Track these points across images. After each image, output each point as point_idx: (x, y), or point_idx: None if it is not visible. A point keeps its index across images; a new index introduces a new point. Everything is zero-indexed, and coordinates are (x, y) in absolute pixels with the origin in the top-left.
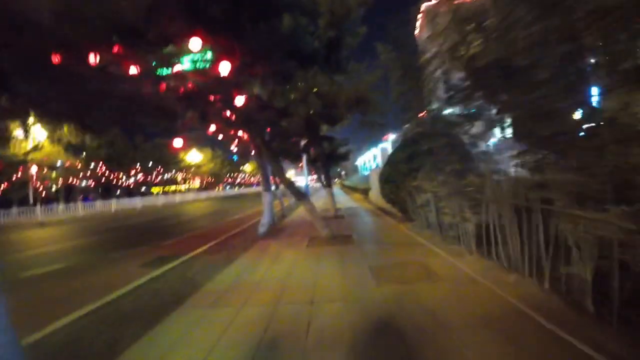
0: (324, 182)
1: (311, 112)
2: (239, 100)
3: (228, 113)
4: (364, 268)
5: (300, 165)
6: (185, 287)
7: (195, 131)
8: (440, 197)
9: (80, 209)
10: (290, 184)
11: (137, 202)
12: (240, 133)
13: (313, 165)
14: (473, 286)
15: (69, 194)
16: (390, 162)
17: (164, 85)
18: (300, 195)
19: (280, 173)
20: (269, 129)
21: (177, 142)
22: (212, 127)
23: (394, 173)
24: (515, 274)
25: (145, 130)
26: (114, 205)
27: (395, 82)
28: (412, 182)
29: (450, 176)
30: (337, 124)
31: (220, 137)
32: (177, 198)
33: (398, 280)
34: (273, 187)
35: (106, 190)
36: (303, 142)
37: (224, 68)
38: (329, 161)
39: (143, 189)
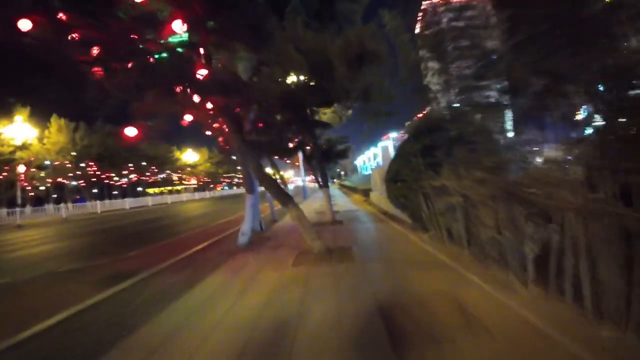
0: (320, 182)
1: (292, 78)
2: (201, 73)
3: (197, 98)
4: (369, 304)
5: (297, 164)
6: (110, 332)
7: (157, 118)
8: (475, 202)
9: (63, 210)
10: (271, 184)
11: (127, 203)
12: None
13: (309, 164)
14: (548, 349)
15: (59, 194)
16: (400, 157)
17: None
18: (285, 198)
19: (257, 169)
20: (238, 110)
21: (130, 131)
22: (188, 117)
23: (404, 170)
24: (610, 326)
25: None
26: (99, 206)
27: (407, 48)
28: (430, 181)
29: (494, 171)
30: (332, 105)
31: (209, 133)
32: (170, 199)
33: (423, 332)
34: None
35: (101, 190)
36: (296, 138)
37: (177, 26)
38: (326, 159)
39: (139, 189)
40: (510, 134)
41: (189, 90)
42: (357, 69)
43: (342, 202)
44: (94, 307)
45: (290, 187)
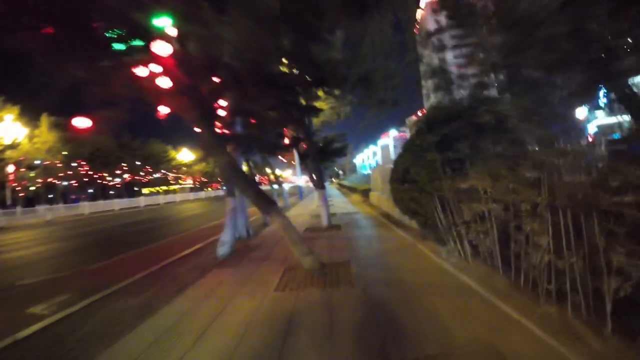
0: (316, 182)
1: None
2: (160, 48)
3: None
4: None
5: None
6: None
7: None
8: (521, 212)
9: (48, 212)
10: (247, 186)
11: (117, 204)
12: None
13: (304, 163)
14: None
15: (54, 194)
16: (409, 152)
17: None
18: (266, 205)
19: (228, 167)
20: (204, 91)
21: (80, 122)
22: (163, 109)
23: (415, 168)
24: None
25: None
26: (87, 208)
27: None
28: (454, 183)
29: (552, 170)
30: (324, 85)
31: (198, 130)
32: (164, 199)
33: None
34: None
35: (97, 190)
36: (285, 130)
37: None
38: (322, 157)
39: (137, 189)
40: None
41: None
42: (356, 15)
43: (341, 203)
44: (14, 346)
45: (286, 187)
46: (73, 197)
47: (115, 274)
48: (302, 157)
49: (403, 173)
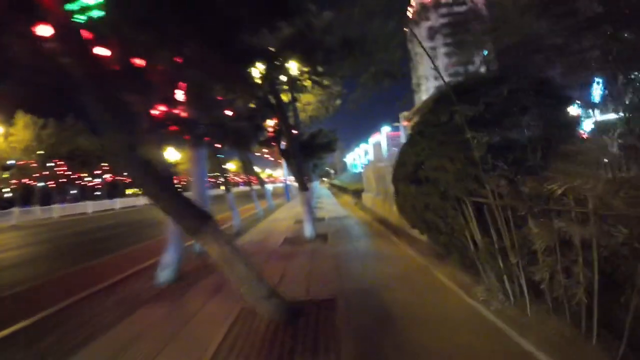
0: (299, 183)
1: None
2: None
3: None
4: None
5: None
6: None
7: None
8: None
9: (14, 216)
10: (161, 188)
11: (90, 207)
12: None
13: (286, 160)
14: None
15: (28, 196)
16: (426, 137)
17: None
18: (193, 220)
19: (129, 160)
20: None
21: None
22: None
23: (435, 160)
24: None
25: None
26: (56, 211)
27: None
28: (507, 185)
29: None
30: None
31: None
32: (143, 201)
33: None
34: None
35: (83, 191)
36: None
37: None
38: (307, 153)
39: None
40: None
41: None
42: None
43: (330, 205)
44: None
45: (269, 187)
46: (59, 198)
47: (16, 310)
48: (283, 153)
49: (414, 169)
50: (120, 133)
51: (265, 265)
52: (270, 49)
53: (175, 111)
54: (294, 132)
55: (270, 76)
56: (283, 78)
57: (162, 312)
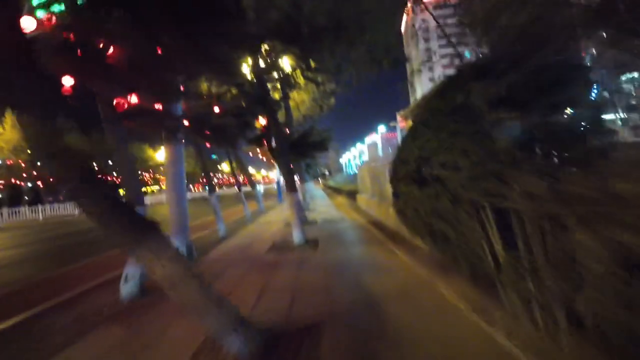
0: (287, 183)
1: None
2: None
3: None
4: None
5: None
6: None
7: None
8: None
9: (4, 216)
10: (93, 194)
11: (76, 209)
12: None
13: (275, 159)
14: None
15: (14, 197)
16: (433, 126)
17: None
18: (132, 232)
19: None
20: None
21: None
22: (68, 80)
23: (444, 155)
24: None
25: None
26: (40, 213)
27: None
28: (535, 186)
29: None
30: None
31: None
32: None
33: None
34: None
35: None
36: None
37: None
38: (298, 151)
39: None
40: None
41: None
42: None
43: (324, 206)
44: None
45: (260, 187)
46: (50, 199)
47: None
48: (272, 152)
49: (418, 166)
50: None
51: (245, 278)
52: (254, 32)
53: (140, 101)
54: (286, 130)
55: (256, 66)
56: (274, 75)
57: (119, 335)
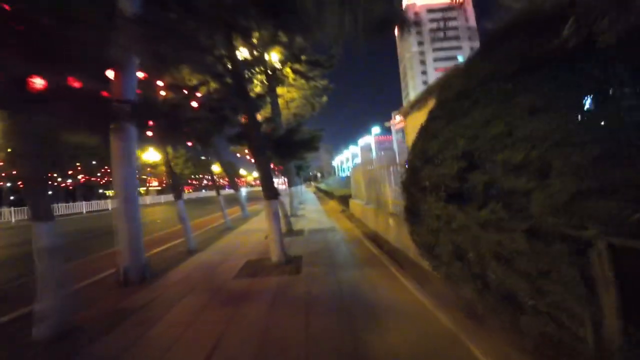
0: (264, 188)
1: None
2: None
3: None
4: None
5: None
6: None
7: None
8: None
9: None
10: None
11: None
12: None
13: (254, 158)
14: None
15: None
16: (478, 105)
17: None
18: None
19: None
20: None
21: None
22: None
23: (509, 153)
24: None
25: None
26: (13, 215)
27: None
28: None
29: None
30: None
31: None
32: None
33: None
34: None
35: (54, 192)
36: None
37: None
38: (284, 151)
39: (101, 191)
40: None
41: None
42: None
43: (313, 212)
44: None
45: (243, 191)
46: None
47: None
48: (251, 151)
49: (459, 168)
50: None
51: (197, 320)
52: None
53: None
54: (272, 126)
55: (231, 48)
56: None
57: None
